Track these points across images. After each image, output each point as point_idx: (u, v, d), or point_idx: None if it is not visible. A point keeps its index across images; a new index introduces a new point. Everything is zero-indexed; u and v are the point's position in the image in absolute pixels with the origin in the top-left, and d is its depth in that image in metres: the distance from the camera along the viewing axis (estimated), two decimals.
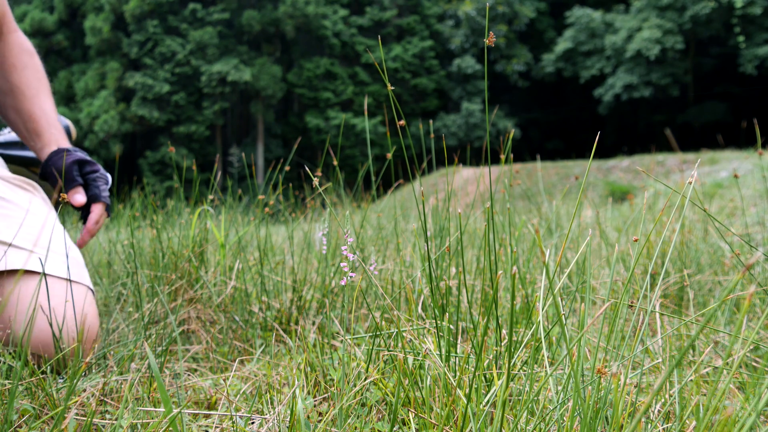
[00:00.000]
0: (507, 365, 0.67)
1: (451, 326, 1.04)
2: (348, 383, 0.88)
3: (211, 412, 0.85)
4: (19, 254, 1.13)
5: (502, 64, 30.39)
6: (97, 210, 1.39)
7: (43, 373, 0.98)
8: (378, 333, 0.94)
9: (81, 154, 1.41)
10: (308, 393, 0.96)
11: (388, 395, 0.90)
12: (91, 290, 1.21)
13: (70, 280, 1.09)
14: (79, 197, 1.36)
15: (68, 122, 1.64)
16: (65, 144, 1.43)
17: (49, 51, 29.80)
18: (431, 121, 1.54)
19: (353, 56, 31.41)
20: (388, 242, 1.83)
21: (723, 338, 1.18)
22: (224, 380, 1.06)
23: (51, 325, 1.00)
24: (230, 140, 31.32)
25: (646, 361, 1.08)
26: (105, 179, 1.43)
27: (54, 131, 1.44)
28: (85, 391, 0.96)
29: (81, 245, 1.37)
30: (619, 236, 2.10)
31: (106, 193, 1.42)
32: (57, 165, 1.37)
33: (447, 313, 1.03)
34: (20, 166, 1.56)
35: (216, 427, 0.86)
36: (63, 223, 1.53)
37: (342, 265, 0.94)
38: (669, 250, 1.34)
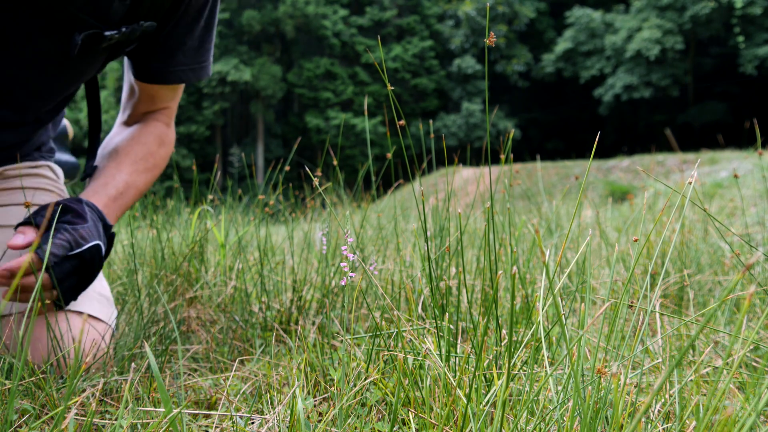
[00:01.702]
0: (507, 365, 0.67)
1: (451, 326, 1.04)
2: (348, 383, 0.88)
3: (211, 412, 0.85)
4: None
5: (502, 64, 30.40)
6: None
7: (43, 373, 0.99)
8: (378, 333, 0.94)
9: (81, 207, 1.11)
10: (308, 393, 0.96)
11: (388, 395, 0.90)
12: (112, 328, 1.19)
13: (73, 313, 1.10)
14: (16, 239, 1.03)
15: (66, 122, 1.62)
16: (95, 202, 1.18)
17: None
18: (431, 121, 1.54)
19: (353, 56, 31.41)
20: (388, 242, 1.83)
21: (723, 338, 1.18)
22: (224, 380, 1.06)
23: (64, 357, 1.04)
24: (230, 140, 31.33)
25: (646, 361, 1.08)
26: (65, 237, 1.04)
27: (100, 193, 1.20)
28: (85, 391, 0.96)
29: None
30: (619, 236, 2.10)
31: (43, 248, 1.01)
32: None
33: (447, 313, 1.03)
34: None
35: (216, 427, 0.86)
36: None
37: (342, 265, 0.94)
38: (669, 250, 1.34)
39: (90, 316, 1.14)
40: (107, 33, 1.10)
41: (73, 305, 1.13)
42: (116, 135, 1.36)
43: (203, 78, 1.33)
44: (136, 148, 1.30)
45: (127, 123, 1.39)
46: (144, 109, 1.37)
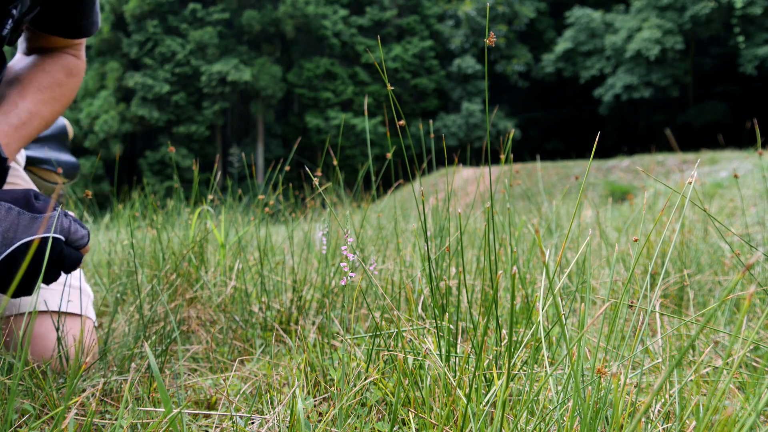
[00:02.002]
0: (507, 365, 0.67)
1: (451, 326, 1.04)
2: (348, 383, 0.88)
3: (211, 412, 0.85)
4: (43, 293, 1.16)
5: (502, 64, 30.40)
6: None
7: (43, 373, 0.99)
8: (378, 333, 0.94)
9: None
10: (308, 393, 0.96)
11: (388, 395, 0.90)
12: (94, 322, 1.22)
13: (63, 313, 1.11)
14: None
15: (65, 122, 1.61)
16: None
17: None
18: (431, 121, 1.54)
19: (353, 56, 31.41)
20: (388, 242, 1.83)
21: (723, 338, 1.18)
22: (224, 380, 1.06)
23: (62, 356, 1.05)
24: (230, 140, 31.33)
25: (646, 361, 1.08)
26: None
27: (1, 122, 1.11)
28: (85, 391, 0.96)
29: None
30: (619, 236, 2.10)
31: None
32: None
33: (447, 313, 1.03)
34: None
35: (216, 427, 0.86)
36: None
37: (342, 265, 0.94)
38: (669, 250, 1.34)
39: (63, 313, 1.14)
40: (5, 31, 1.05)
41: (50, 304, 1.14)
42: (18, 62, 1.27)
43: (95, 32, 1.28)
44: (40, 76, 1.21)
45: (28, 53, 1.30)
46: (44, 45, 1.27)
